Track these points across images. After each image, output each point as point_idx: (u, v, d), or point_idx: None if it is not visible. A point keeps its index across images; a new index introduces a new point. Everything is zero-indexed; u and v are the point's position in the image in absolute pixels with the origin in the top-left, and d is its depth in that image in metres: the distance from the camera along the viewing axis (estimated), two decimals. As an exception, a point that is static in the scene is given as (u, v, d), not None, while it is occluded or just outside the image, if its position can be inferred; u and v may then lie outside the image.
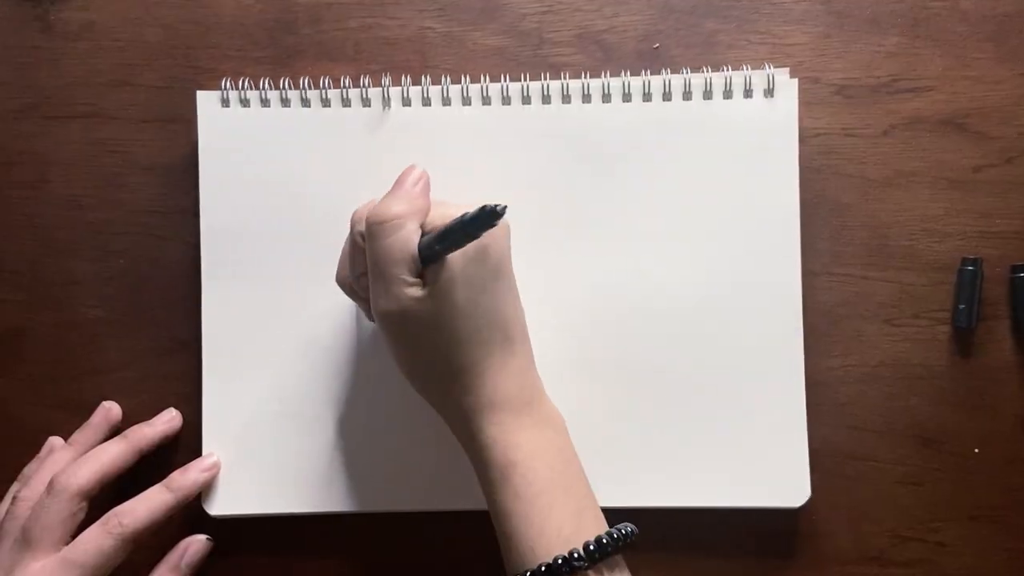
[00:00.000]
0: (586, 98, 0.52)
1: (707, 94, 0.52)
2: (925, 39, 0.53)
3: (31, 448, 0.54)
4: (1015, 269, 0.52)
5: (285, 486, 0.52)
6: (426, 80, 0.53)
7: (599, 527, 0.44)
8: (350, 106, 0.53)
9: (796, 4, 0.53)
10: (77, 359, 0.55)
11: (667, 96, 0.52)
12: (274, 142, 0.53)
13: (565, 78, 0.52)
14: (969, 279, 0.51)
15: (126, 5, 0.55)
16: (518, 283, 0.47)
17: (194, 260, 0.53)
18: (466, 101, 0.53)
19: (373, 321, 0.49)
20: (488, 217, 0.40)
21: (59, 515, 0.48)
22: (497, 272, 0.45)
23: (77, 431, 0.54)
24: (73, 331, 0.55)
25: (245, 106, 0.53)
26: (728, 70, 0.52)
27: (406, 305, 0.43)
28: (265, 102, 0.53)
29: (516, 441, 0.44)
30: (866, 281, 0.53)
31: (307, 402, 0.53)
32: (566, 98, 0.52)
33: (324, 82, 0.53)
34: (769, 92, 0.51)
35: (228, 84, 0.53)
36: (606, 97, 0.52)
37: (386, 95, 0.53)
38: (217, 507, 0.53)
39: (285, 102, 0.53)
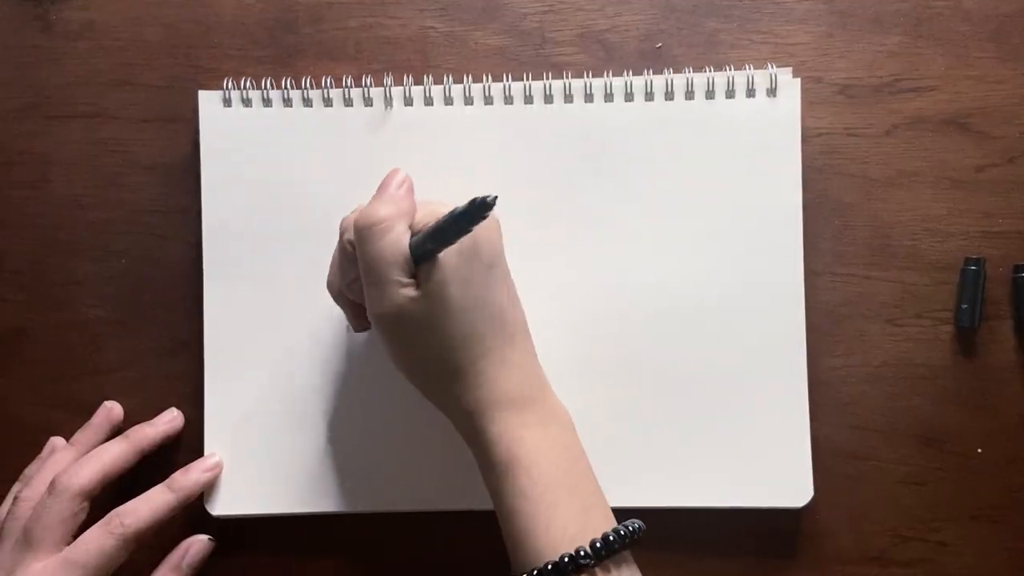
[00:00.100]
0: (588, 98, 0.52)
1: (710, 94, 0.52)
2: (928, 39, 0.53)
3: (32, 448, 0.54)
4: (1018, 269, 0.52)
5: (287, 486, 0.52)
6: (428, 80, 0.53)
7: (607, 524, 0.44)
8: (352, 106, 0.53)
9: (798, 3, 0.53)
10: (78, 359, 0.55)
11: (670, 96, 0.52)
12: (276, 142, 0.53)
13: (567, 78, 0.52)
14: (972, 279, 0.51)
15: (127, 4, 0.55)
16: (520, 282, 0.47)
17: (195, 260, 0.53)
18: (468, 101, 0.53)
19: (357, 331, 0.50)
20: (479, 209, 0.39)
21: (60, 515, 0.48)
22: (491, 267, 0.45)
23: (78, 431, 0.53)
24: (74, 331, 0.55)
25: (247, 106, 0.53)
26: (731, 70, 0.52)
27: (401, 306, 0.43)
28: (267, 102, 0.53)
29: (519, 438, 0.44)
30: (869, 281, 0.52)
31: (309, 402, 0.53)
32: (568, 98, 0.52)
33: (326, 82, 0.53)
34: (771, 92, 0.51)
35: (230, 84, 0.53)
36: (608, 97, 0.52)
37: (388, 95, 0.53)
38: (219, 507, 0.53)
39: (287, 102, 0.53)
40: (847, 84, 0.53)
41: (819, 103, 0.53)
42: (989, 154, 0.52)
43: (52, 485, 0.49)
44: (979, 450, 0.52)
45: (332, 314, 0.53)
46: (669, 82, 0.52)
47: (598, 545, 0.42)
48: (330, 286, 0.49)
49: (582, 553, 0.41)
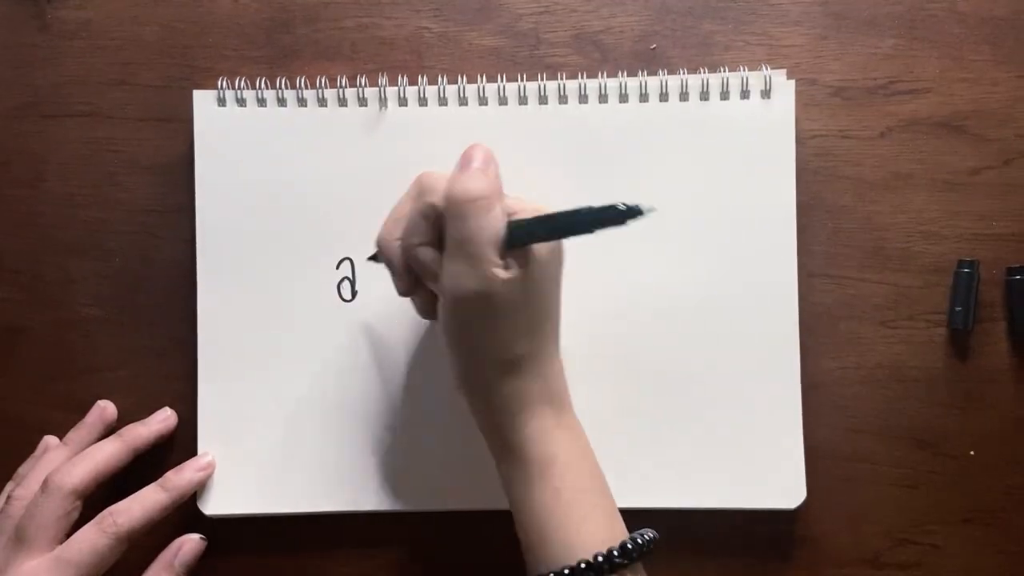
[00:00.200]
0: (583, 99, 0.52)
1: (704, 95, 0.52)
2: (922, 41, 0.53)
3: (26, 447, 0.54)
4: (1011, 272, 0.52)
5: (280, 486, 0.52)
6: (423, 80, 0.53)
7: (624, 532, 0.44)
8: (346, 106, 0.53)
9: (793, 5, 0.53)
10: (73, 358, 0.55)
11: (664, 97, 0.52)
12: (270, 142, 0.53)
13: (562, 78, 0.52)
14: (965, 281, 0.51)
15: (123, 4, 0.55)
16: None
17: (190, 259, 0.53)
18: (463, 101, 0.53)
19: (404, 294, 0.47)
20: (627, 215, 0.39)
21: (53, 514, 0.48)
22: (560, 267, 0.46)
23: (72, 430, 0.53)
24: (69, 330, 0.55)
25: (242, 105, 0.53)
26: (725, 71, 0.52)
27: (491, 287, 0.42)
28: (261, 102, 0.53)
29: (559, 438, 0.45)
30: (862, 283, 0.52)
31: (303, 402, 0.53)
32: (563, 99, 0.52)
33: (321, 82, 0.53)
34: (766, 93, 0.51)
35: (225, 84, 0.53)
36: (603, 98, 0.52)
37: (383, 95, 0.53)
38: (212, 507, 0.53)
39: (281, 102, 0.53)
40: (842, 86, 0.53)
41: (813, 105, 0.53)
42: (984, 157, 0.52)
43: (45, 484, 0.49)
44: (972, 452, 0.52)
45: (327, 313, 0.53)
46: (664, 83, 0.52)
47: (629, 546, 0.42)
48: (384, 242, 0.46)
49: (615, 552, 0.42)
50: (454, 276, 0.43)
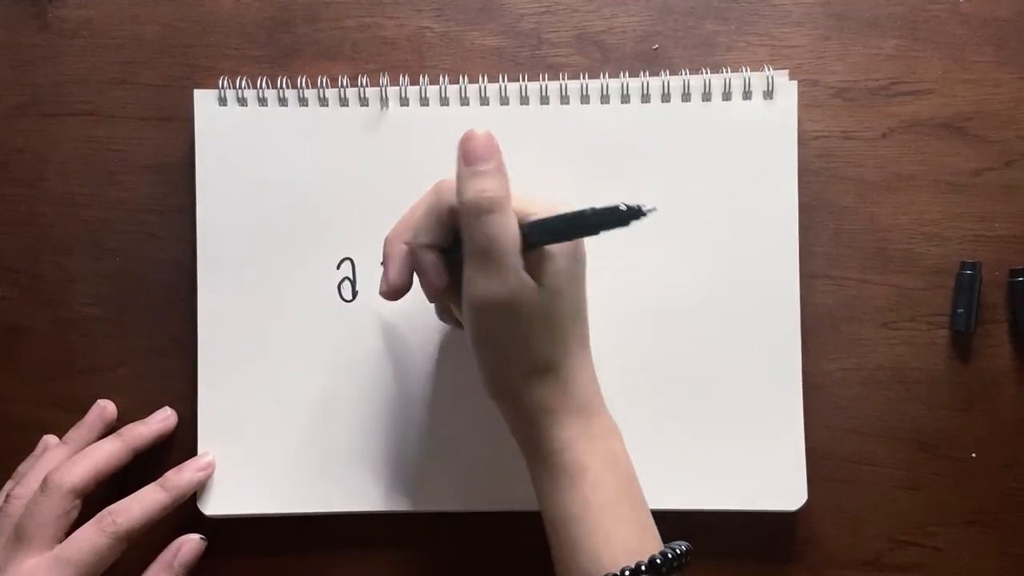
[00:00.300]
0: (584, 99, 0.52)
1: (706, 96, 0.52)
2: (924, 42, 0.52)
3: (26, 446, 0.54)
4: (1014, 273, 0.51)
5: (280, 486, 0.52)
6: (424, 80, 0.53)
7: (658, 544, 0.44)
8: (347, 106, 0.53)
9: (796, 6, 0.53)
10: (73, 357, 0.55)
11: (666, 97, 0.52)
12: (271, 141, 0.53)
13: (563, 79, 0.52)
14: (968, 283, 0.51)
15: (124, 3, 0.55)
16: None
17: (191, 259, 0.53)
18: (464, 101, 0.52)
19: (383, 295, 0.46)
20: (630, 216, 0.38)
21: (52, 513, 0.48)
22: (584, 271, 0.44)
23: (72, 429, 0.53)
24: (69, 329, 0.55)
25: (242, 105, 0.53)
26: (727, 72, 0.52)
27: (517, 294, 0.41)
28: (262, 101, 0.53)
29: (589, 448, 0.43)
30: (864, 284, 0.52)
31: (303, 401, 0.53)
32: (564, 99, 0.52)
33: (322, 81, 0.53)
34: (768, 94, 0.51)
35: (226, 83, 0.53)
36: (604, 98, 0.52)
37: (384, 95, 0.53)
38: (212, 507, 0.53)
39: (282, 101, 0.53)
40: (844, 87, 0.53)
41: (815, 106, 0.53)
42: (986, 158, 0.52)
43: (44, 483, 0.49)
44: (974, 454, 0.52)
45: (327, 313, 0.52)
46: (665, 84, 0.52)
47: (658, 561, 0.41)
48: (390, 243, 0.46)
49: (643, 567, 0.41)
50: (477, 283, 0.42)
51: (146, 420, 0.53)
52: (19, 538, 0.48)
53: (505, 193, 0.42)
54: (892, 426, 0.52)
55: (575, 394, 0.44)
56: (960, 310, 0.51)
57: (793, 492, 0.51)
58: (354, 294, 0.53)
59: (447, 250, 0.43)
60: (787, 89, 0.51)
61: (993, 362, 0.52)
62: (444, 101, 0.53)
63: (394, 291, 0.45)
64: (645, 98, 0.52)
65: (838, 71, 0.53)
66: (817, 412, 0.52)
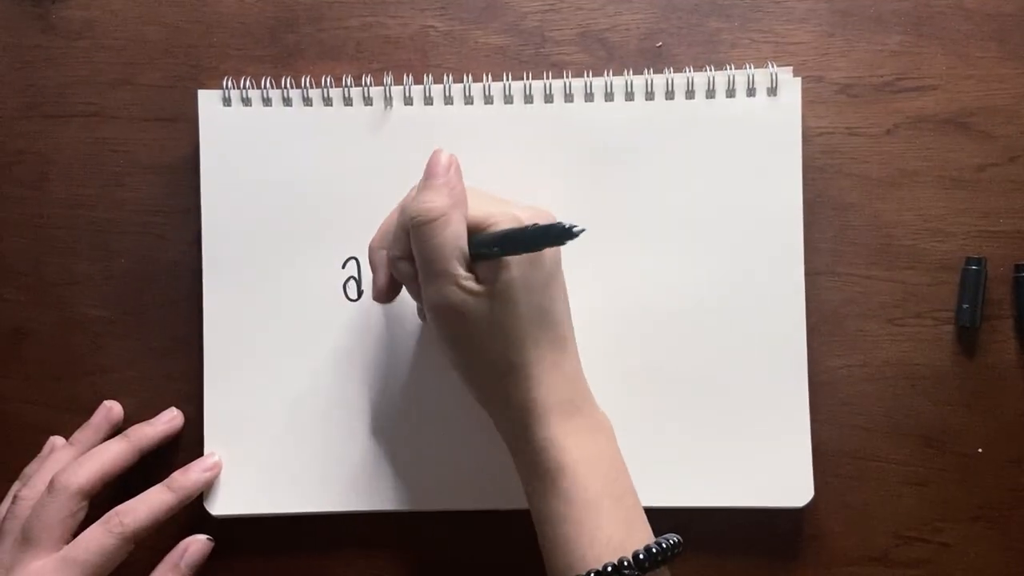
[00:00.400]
0: (589, 97, 0.52)
1: (710, 93, 0.51)
2: (929, 38, 0.52)
3: (32, 447, 0.54)
4: (1019, 268, 0.51)
5: (287, 486, 0.52)
6: (428, 79, 0.53)
7: (647, 537, 0.44)
8: (352, 105, 0.53)
9: (799, 3, 0.53)
10: (78, 359, 0.55)
11: (670, 95, 0.52)
12: (276, 141, 0.53)
13: (568, 77, 0.52)
14: (973, 278, 0.51)
15: (127, 4, 0.55)
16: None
17: (195, 260, 0.53)
18: (468, 100, 0.52)
19: (378, 299, 0.48)
20: (559, 236, 0.39)
21: (59, 514, 0.48)
22: (551, 275, 0.45)
23: (78, 430, 0.53)
24: (74, 331, 0.55)
25: (247, 105, 0.53)
26: (731, 69, 0.52)
27: (463, 302, 0.43)
28: (267, 101, 0.53)
29: (567, 445, 0.44)
30: (869, 281, 0.52)
31: (309, 401, 0.53)
32: (569, 97, 0.52)
33: (326, 81, 0.53)
34: (772, 91, 0.51)
35: (230, 83, 0.53)
36: (609, 96, 0.52)
37: (388, 94, 0.53)
38: (218, 507, 0.53)
39: (287, 101, 0.53)
40: (848, 83, 0.53)
41: (820, 102, 0.52)
42: (990, 153, 0.52)
43: (51, 484, 0.49)
44: (980, 450, 0.52)
45: (333, 314, 0.53)
46: (670, 81, 0.52)
47: (640, 556, 0.42)
48: (373, 250, 0.48)
49: (625, 563, 0.41)
50: (427, 291, 0.44)
51: (152, 421, 0.53)
52: (26, 539, 0.48)
53: (446, 206, 0.43)
54: (898, 422, 0.52)
55: (548, 395, 0.44)
56: (965, 306, 0.51)
57: (800, 488, 0.51)
58: (359, 293, 0.53)
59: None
60: (791, 86, 0.51)
61: (999, 357, 0.52)
62: (448, 100, 0.53)
63: (384, 295, 0.48)
64: (649, 95, 0.52)
65: (842, 67, 0.53)
66: (823, 409, 0.52)
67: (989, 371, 0.52)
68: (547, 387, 0.44)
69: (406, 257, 0.45)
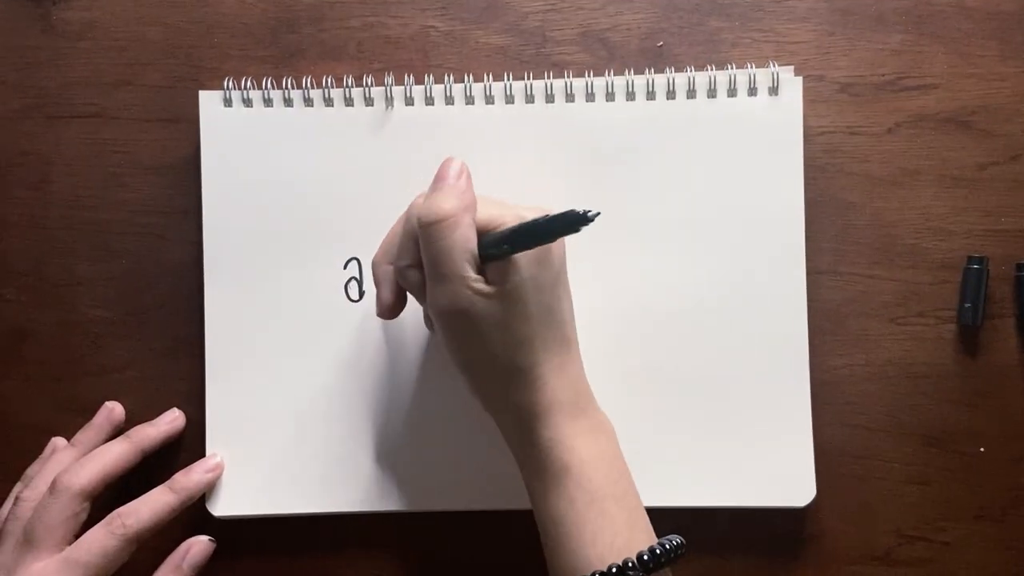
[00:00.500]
0: (589, 97, 0.52)
1: (711, 92, 0.51)
2: (930, 37, 0.52)
3: (34, 449, 0.54)
4: (1020, 267, 0.51)
5: (289, 487, 0.52)
6: (429, 79, 0.53)
7: (650, 538, 0.44)
8: (353, 105, 0.53)
9: (800, 2, 0.53)
10: (80, 359, 0.55)
11: (671, 94, 0.52)
12: (277, 142, 0.53)
13: (568, 77, 0.52)
14: (975, 277, 0.51)
15: (128, 4, 0.55)
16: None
17: (197, 260, 0.53)
18: (469, 100, 0.52)
19: (382, 315, 0.48)
20: (576, 223, 0.39)
21: (61, 515, 0.48)
22: (558, 275, 0.45)
23: (80, 431, 0.53)
24: (76, 331, 0.55)
25: (248, 106, 0.53)
26: (732, 68, 0.52)
27: (472, 304, 0.43)
28: (268, 102, 0.53)
29: (571, 446, 0.44)
30: (871, 280, 0.52)
31: (311, 402, 0.53)
32: (569, 97, 0.52)
33: (327, 81, 0.53)
34: (773, 90, 0.51)
35: (231, 84, 0.53)
36: (610, 96, 0.52)
37: (389, 94, 0.53)
38: (221, 508, 0.53)
39: (288, 102, 0.53)
40: (849, 82, 0.53)
41: (821, 101, 0.52)
42: (991, 152, 0.52)
43: (53, 485, 0.49)
44: (982, 449, 0.52)
45: (334, 314, 0.53)
46: (671, 81, 0.52)
47: (645, 557, 0.42)
48: (377, 265, 0.48)
49: (629, 564, 0.41)
50: (434, 294, 0.44)
51: (154, 422, 0.53)
52: (28, 540, 0.48)
53: (455, 209, 0.43)
54: (900, 421, 0.52)
55: (553, 395, 0.44)
56: (967, 304, 0.51)
57: (802, 488, 0.51)
58: (361, 294, 0.53)
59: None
60: (792, 85, 0.51)
61: (1001, 356, 0.52)
62: (449, 100, 0.53)
63: (388, 311, 0.48)
64: (650, 95, 0.52)
65: (843, 66, 0.53)
66: (825, 408, 0.52)
67: (991, 370, 0.52)
68: (552, 388, 0.44)
69: (415, 265, 0.45)
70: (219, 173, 0.53)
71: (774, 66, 0.51)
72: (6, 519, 0.50)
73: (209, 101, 0.53)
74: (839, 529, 0.52)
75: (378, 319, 0.52)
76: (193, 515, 0.52)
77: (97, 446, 0.52)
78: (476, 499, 0.52)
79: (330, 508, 0.52)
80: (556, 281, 0.45)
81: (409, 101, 0.53)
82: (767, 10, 0.53)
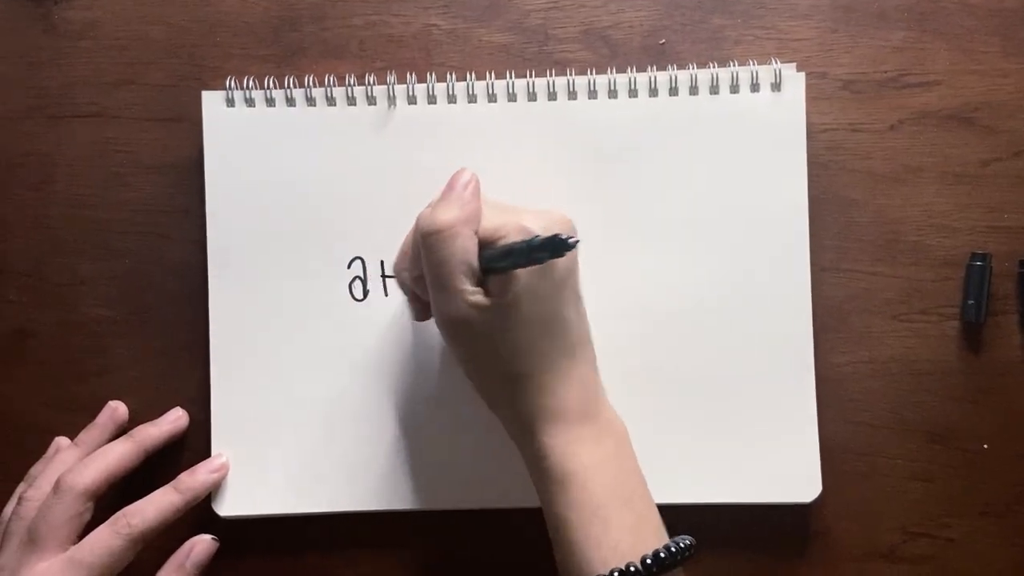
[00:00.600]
0: (592, 94, 0.52)
1: (713, 89, 0.51)
2: (932, 33, 0.52)
3: (37, 448, 0.54)
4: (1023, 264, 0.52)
5: (295, 486, 0.52)
6: (431, 78, 0.53)
7: (659, 539, 0.44)
8: (355, 104, 0.53)
9: (802, -1, 0.53)
10: (83, 359, 0.55)
11: (673, 92, 0.52)
12: (279, 141, 0.53)
13: (571, 74, 0.52)
14: (978, 274, 0.51)
15: (130, 4, 0.55)
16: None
17: (200, 260, 0.53)
18: (472, 98, 0.52)
19: (417, 319, 0.50)
20: (557, 247, 0.40)
21: (65, 515, 0.48)
22: (562, 283, 0.45)
23: (83, 431, 0.53)
24: (79, 331, 0.55)
25: (250, 106, 0.53)
26: (735, 65, 0.52)
27: (468, 315, 0.43)
28: (270, 101, 0.53)
29: (574, 453, 0.44)
30: (874, 277, 0.52)
31: (316, 402, 0.53)
32: (572, 95, 0.52)
33: (329, 80, 0.53)
34: (776, 87, 0.51)
35: (233, 84, 0.53)
36: (612, 93, 0.52)
37: (391, 93, 0.52)
38: (226, 507, 0.52)
39: (290, 101, 0.53)
40: (852, 79, 0.53)
41: (823, 98, 0.52)
42: (994, 148, 0.52)
43: (57, 485, 0.49)
44: (986, 446, 0.52)
45: (339, 314, 0.52)
46: (673, 78, 0.52)
47: (648, 561, 0.42)
48: (396, 272, 0.49)
49: (633, 568, 0.41)
50: (435, 303, 0.45)
51: (157, 421, 0.53)
52: (32, 540, 0.48)
53: (454, 220, 0.43)
54: (904, 418, 0.52)
55: (555, 404, 0.44)
56: (971, 301, 0.51)
57: (807, 484, 0.51)
58: (365, 293, 0.53)
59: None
60: (795, 81, 0.51)
61: (1004, 353, 0.52)
62: (452, 98, 0.52)
63: (418, 314, 0.49)
64: (653, 92, 0.52)
65: (846, 63, 0.53)
66: (829, 405, 0.52)
67: (994, 367, 0.52)
68: (554, 394, 0.44)
69: (421, 276, 0.46)
70: (222, 174, 0.53)
71: (776, 63, 0.51)
72: (10, 519, 0.50)
73: (211, 102, 0.53)
74: (843, 526, 0.52)
75: (381, 319, 0.53)
76: (199, 515, 0.52)
77: (101, 446, 0.52)
78: (485, 498, 0.52)
79: (335, 508, 0.52)
80: (559, 289, 0.45)
81: (412, 100, 0.53)
82: (769, 7, 0.53)
